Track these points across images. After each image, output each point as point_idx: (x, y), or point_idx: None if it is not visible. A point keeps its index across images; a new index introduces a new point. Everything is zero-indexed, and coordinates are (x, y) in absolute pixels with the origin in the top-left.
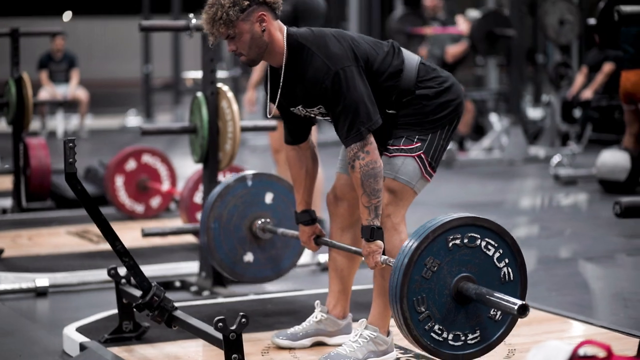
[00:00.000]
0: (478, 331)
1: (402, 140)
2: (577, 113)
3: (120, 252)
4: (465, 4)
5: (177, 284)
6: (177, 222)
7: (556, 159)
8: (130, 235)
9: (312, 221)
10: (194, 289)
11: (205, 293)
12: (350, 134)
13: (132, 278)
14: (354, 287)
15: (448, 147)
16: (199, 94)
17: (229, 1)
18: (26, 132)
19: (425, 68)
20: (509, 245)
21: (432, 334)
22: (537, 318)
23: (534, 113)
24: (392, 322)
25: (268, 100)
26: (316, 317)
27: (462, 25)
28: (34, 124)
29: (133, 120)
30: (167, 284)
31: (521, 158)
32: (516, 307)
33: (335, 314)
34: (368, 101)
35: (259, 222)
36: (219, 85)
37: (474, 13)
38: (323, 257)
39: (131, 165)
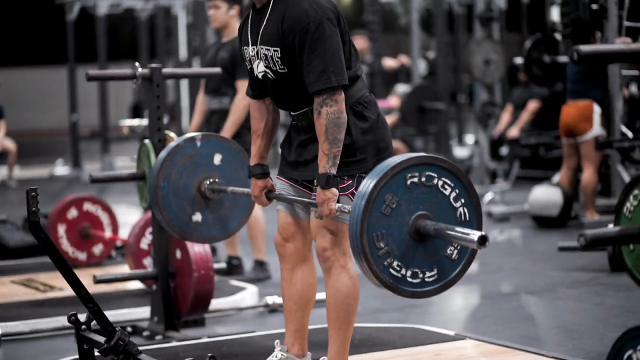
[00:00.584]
0: (436, 269)
1: None
2: (504, 151)
3: (85, 298)
4: (391, 48)
5: (129, 329)
6: (121, 269)
7: (488, 196)
8: None
9: (265, 175)
10: (146, 333)
11: (158, 337)
12: (322, 78)
13: (93, 324)
14: (310, 327)
15: None
16: (147, 141)
17: None
18: None
19: (371, 98)
20: (465, 186)
21: (391, 270)
22: (490, 351)
23: (460, 152)
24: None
25: (249, 49)
26: (276, 356)
27: (393, 99)
28: None
29: (61, 169)
30: None
31: None
32: (476, 238)
33: (294, 353)
34: (342, 60)
35: (208, 182)
36: (166, 131)
37: (404, 88)
38: (270, 299)
39: (73, 213)
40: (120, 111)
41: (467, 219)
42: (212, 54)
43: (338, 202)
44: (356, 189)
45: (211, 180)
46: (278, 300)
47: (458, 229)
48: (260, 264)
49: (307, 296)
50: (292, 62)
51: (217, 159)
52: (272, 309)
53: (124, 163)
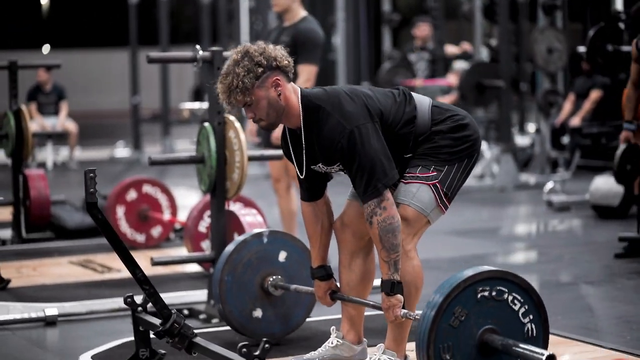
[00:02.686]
0: None
1: (419, 169)
2: (566, 140)
3: (141, 280)
4: (453, 35)
5: (185, 312)
6: (179, 251)
7: (549, 185)
8: None
9: (328, 276)
10: (202, 316)
11: (215, 321)
12: (367, 191)
13: (149, 306)
14: (366, 313)
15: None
16: (207, 124)
17: (244, 70)
18: (25, 164)
19: (439, 110)
20: (534, 302)
21: None
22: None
23: (521, 140)
24: (408, 346)
25: (294, 160)
26: (332, 343)
27: (452, 77)
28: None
29: (122, 151)
30: None
31: (512, 185)
32: (544, 358)
33: (350, 339)
34: (384, 157)
35: (271, 278)
36: (226, 115)
37: (463, 65)
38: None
39: (132, 195)
40: (182, 94)
41: (534, 335)
42: (273, 38)
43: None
44: (440, 182)
45: (274, 277)
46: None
47: (526, 346)
48: None
49: (365, 282)
50: None
51: (282, 256)
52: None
53: (184, 146)
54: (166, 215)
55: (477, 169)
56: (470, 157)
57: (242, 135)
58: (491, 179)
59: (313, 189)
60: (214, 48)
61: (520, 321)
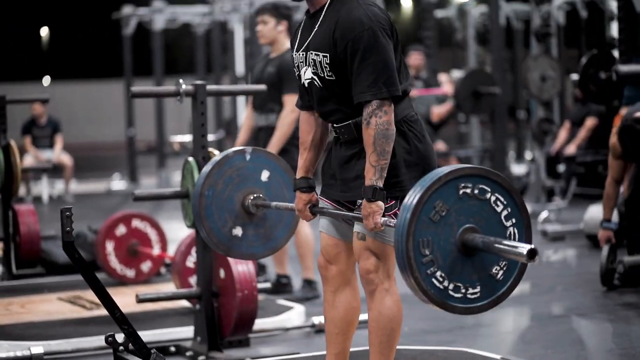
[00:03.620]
0: (479, 287)
1: None
2: (561, 168)
3: (119, 319)
4: (446, 64)
5: (172, 349)
6: (170, 287)
7: (543, 215)
8: (122, 300)
9: (310, 188)
10: (189, 354)
11: (201, 358)
12: (374, 87)
13: (130, 345)
14: (352, 349)
15: None
16: (190, 159)
17: None
18: (15, 199)
19: (417, 119)
20: (518, 205)
21: (433, 279)
22: None
23: (518, 169)
24: None
25: (297, 49)
26: None
27: (447, 85)
28: (19, 190)
29: (118, 183)
30: (162, 350)
31: None
32: (525, 251)
33: None
34: (395, 70)
35: (252, 196)
36: (210, 149)
37: (457, 73)
38: (317, 319)
39: (121, 230)
40: (182, 126)
41: (517, 240)
42: (259, 69)
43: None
44: (399, 208)
45: (256, 195)
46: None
47: (507, 242)
48: (309, 283)
49: (350, 319)
50: (341, 70)
51: (265, 175)
52: (319, 330)
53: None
54: (156, 250)
55: None
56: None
57: None
58: None
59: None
60: (197, 82)
61: (502, 224)
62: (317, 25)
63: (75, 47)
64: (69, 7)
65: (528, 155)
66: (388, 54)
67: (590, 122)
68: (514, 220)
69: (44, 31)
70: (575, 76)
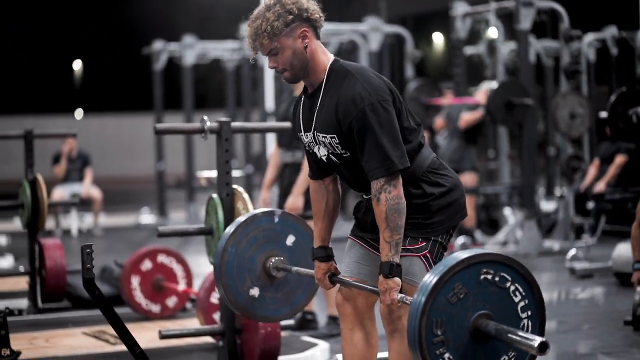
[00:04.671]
0: None
1: (408, 240)
2: (590, 205)
3: (140, 356)
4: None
5: None
6: (194, 322)
7: (571, 252)
8: (147, 335)
9: (328, 258)
10: None
11: None
12: (382, 166)
13: None
14: None
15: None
16: (215, 196)
17: (273, 15)
18: (41, 233)
19: (440, 163)
20: (536, 299)
21: None
22: None
23: (547, 206)
24: None
25: (302, 130)
26: None
27: (480, 95)
28: (48, 223)
29: (147, 217)
30: None
31: (536, 251)
32: (537, 343)
33: None
34: (400, 142)
35: (274, 259)
36: (234, 186)
37: (491, 84)
38: (341, 356)
39: (147, 265)
40: (211, 160)
41: (529, 332)
42: (284, 107)
43: (406, 272)
44: (430, 252)
45: (278, 258)
46: None
47: (519, 332)
48: (334, 319)
49: (367, 357)
50: (353, 146)
51: (290, 239)
52: None
53: None
54: (181, 286)
55: (501, 235)
56: (455, 225)
57: (250, 206)
58: (514, 245)
59: (319, 167)
60: (222, 119)
61: (517, 314)
62: (317, 105)
63: (107, 80)
64: (101, 41)
65: (557, 192)
66: (392, 127)
67: (619, 159)
68: (529, 313)
69: (77, 64)
70: (604, 114)
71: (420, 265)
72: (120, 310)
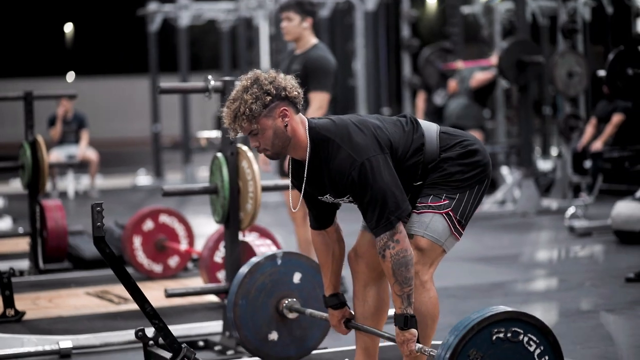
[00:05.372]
0: None
1: (430, 198)
2: (588, 164)
3: (150, 314)
4: (473, 58)
5: (201, 343)
6: (196, 282)
7: (570, 210)
8: (150, 295)
9: (341, 305)
10: (217, 348)
11: (230, 352)
12: (380, 224)
13: (160, 339)
14: (381, 344)
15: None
16: (219, 155)
17: (252, 97)
18: (42, 194)
19: (447, 136)
20: (550, 343)
21: None
22: None
23: (543, 165)
24: None
25: (290, 190)
26: None
27: (494, 58)
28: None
29: (143, 179)
30: (190, 344)
31: (534, 210)
32: None
33: None
34: (396, 189)
35: (286, 301)
36: (239, 145)
37: (503, 43)
38: None
39: (149, 225)
40: (206, 121)
41: None
42: (285, 66)
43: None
44: (453, 210)
45: (290, 299)
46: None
47: None
48: None
49: (380, 313)
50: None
51: (297, 277)
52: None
53: (206, 174)
54: (183, 245)
55: (499, 194)
56: (481, 182)
57: (255, 165)
58: (513, 204)
59: (322, 217)
60: (226, 78)
61: None
62: (305, 176)
63: (99, 43)
64: (93, 4)
65: (554, 151)
66: (384, 179)
67: (616, 118)
68: (547, 358)
69: (68, 27)
70: (602, 72)
71: (443, 223)
72: None
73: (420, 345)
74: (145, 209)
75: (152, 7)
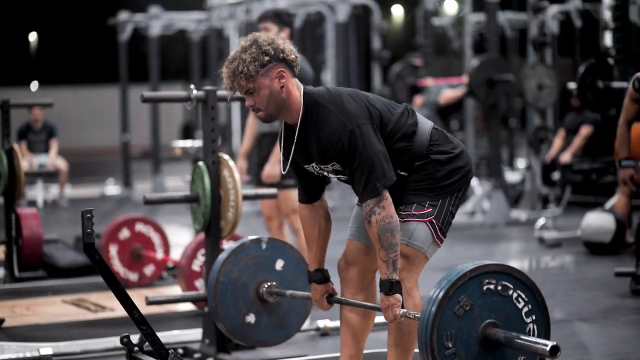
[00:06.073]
0: None
1: (414, 206)
2: (556, 176)
3: (138, 320)
4: (443, 72)
5: (180, 351)
6: (172, 290)
7: (540, 222)
8: None
9: (325, 280)
10: (197, 355)
11: None
12: (367, 190)
13: (147, 345)
14: (366, 351)
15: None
16: (201, 163)
17: (250, 56)
18: (18, 202)
19: (438, 133)
20: (539, 303)
21: None
22: None
23: (511, 177)
24: None
25: (282, 157)
26: None
27: (465, 77)
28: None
29: (112, 188)
30: None
31: (503, 221)
32: (548, 347)
33: None
34: (383, 158)
35: (267, 285)
36: (220, 154)
37: (474, 61)
38: (322, 322)
39: (125, 234)
40: (171, 131)
41: (536, 336)
42: None
43: (414, 235)
44: (436, 217)
45: (270, 283)
46: (330, 324)
47: (529, 337)
48: None
49: (366, 321)
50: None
51: (279, 264)
52: (324, 333)
53: (175, 183)
54: (159, 254)
55: (468, 206)
56: (460, 190)
57: (236, 174)
58: (482, 215)
59: (310, 190)
60: (208, 87)
61: (523, 320)
62: (304, 142)
63: (65, 52)
64: (61, 13)
65: (520, 163)
66: (373, 147)
67: (585, 130)
68: (534, 317)
69: (32, 36)
70: (572, 85)
71: (426, 231)
72: (97, 279)
73: (405, 310)
74: (121, 218)
75: (122, 16)
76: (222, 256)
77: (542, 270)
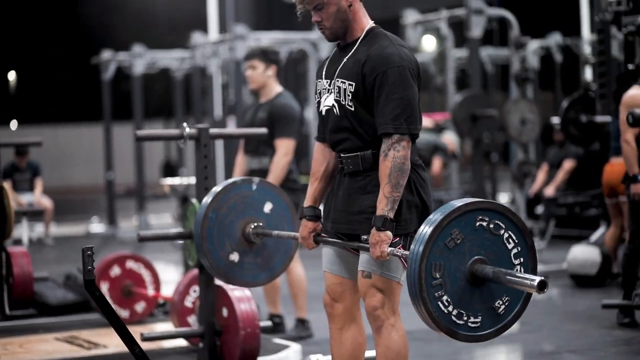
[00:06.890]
0: (480, 317)
1: None
2: (540, 209)
3: (139, 355)
4: (424, 108)
5: None
6: (163, 326)
7: None
8: (117, 340)
9: (316, 218)
10: None
11: None
12: (395, 122)
13: None
14: None
15: None
16: (194, 201)
17: None
18: (8, 241)
19: (421, 162)
20: (528, 246)
21: (439, 302)
22: None
23: None
24: None
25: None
26: None
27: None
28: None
29: (97, 226)
30: None
31: None
32: (536, 282)
33: None
34: (417, 110)
35: (253, 225)
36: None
37: (457, 97)
38: (314, 357)
39: (115, 271)
40: (153, 169)
41: None
42: (250, 115)
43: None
44: (404, 246)
45: (256, 224)
46: (322, 358)
47: (518, 273)
48: (302, 322)
49: (356, 355)
50: (361, 102)
51: (268, 207)
52: None
53: (160, 221)
54: (150, 291)
55: None
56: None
57: None
58: None
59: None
60: (201, 125)
61: (511, 260)
62: (347, 56)
63: (44, 91)
64: (43, 51)
65: (503, 197)
66: (413, 94)
67: (568, 164)
68: (522, 260)
69: (12, 75)
70: (556, 119)
71: (396, 260)
72: (88, 317)
73: (392, 248)
74: (112, 255)
75: (106, 55)
76: (213, 191)
77: (530, 303)
